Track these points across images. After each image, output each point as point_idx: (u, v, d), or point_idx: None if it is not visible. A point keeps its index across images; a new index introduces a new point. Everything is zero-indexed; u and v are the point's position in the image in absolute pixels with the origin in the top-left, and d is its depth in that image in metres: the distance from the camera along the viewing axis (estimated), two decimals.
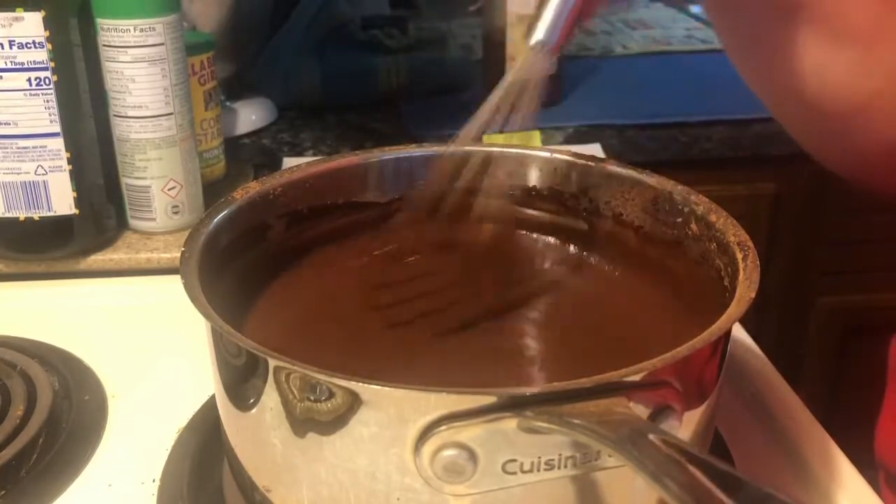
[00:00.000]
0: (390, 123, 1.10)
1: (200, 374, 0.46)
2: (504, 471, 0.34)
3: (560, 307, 0.51)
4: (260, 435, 0.39)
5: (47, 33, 0.64)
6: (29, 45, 0.64)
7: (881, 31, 0.49)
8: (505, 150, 0.53)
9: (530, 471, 0.34)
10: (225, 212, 0.47)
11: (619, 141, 1.05)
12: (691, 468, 0.29)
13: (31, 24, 0.63)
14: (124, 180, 0.72)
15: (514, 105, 0.45)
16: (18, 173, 0.67)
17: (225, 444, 0.44)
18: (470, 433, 0.33)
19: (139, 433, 0.53)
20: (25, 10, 0.63)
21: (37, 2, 0.63)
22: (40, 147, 0.66)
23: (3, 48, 0.63)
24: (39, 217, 0.68)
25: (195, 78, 0.79)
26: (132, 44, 0.67)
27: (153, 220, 0.73)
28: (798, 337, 1.28)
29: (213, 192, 0.76)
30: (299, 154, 1.02)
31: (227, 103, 1.05)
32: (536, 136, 0.93)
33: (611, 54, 1.33)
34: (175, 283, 0.40)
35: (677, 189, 0.49)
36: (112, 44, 0.68)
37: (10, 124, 0.65)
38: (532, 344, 0.48)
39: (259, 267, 0.50)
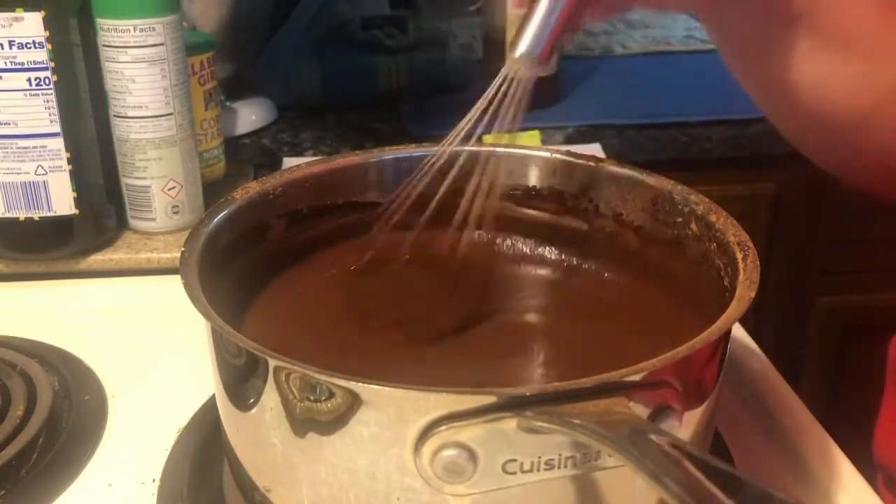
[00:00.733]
0: (390, 123, 1.10)
1: (200, 374, 0.46)
2: (504, 471, 0.34)
3: (560, 307, 0.51)
4: (260, 435, 0.39)
5: (47, 33, 0.64)
6: (29, 45, 0.64)
7: (881, 44, 0.49)
8: (505, 150, 0.53)
9: (530, 471, 0.34)
10: (225, 212, 0.47)
11: (619, 141, 1.05)
12: (691, 468, 0.29)
13: (31, 24, 0.63)
14: (124, 180, 0.72)
15: (497, 112, 0.45)
16: (18, 173, 0.67)
17: (225, 444, 0.44)
18: (470, 433, 0.33)
19: (139, 433, 0.53)
20: (25, 10, 0.63)
21: (37, 2, 0.63)
22: (40, 147, 0.66)
23: (3, 48, 0.63)
24: (39, 217, 0.68)
25: (195, 78, 0.79)
26: (132, 44, 0.67)
27: (153, 220, 0.73)
28: (798, 337, 1.28)
29: (213, 192, 0.76)
30: (299, 154, 1.02)
31: (227, 103, 1.05)
32: (536, 136, 0.93)
33: (611, 54, 1.33)
34: (175, 283, 0.40)
35: (677, 189, 0.49)
36: (112, 44, 0.68)
37: (10, 124, 0.65)
38: (532, 344, 0.48)
39: (259, 267, 0.50)
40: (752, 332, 0.61)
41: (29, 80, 0.64)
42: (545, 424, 0.33)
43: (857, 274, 1.24)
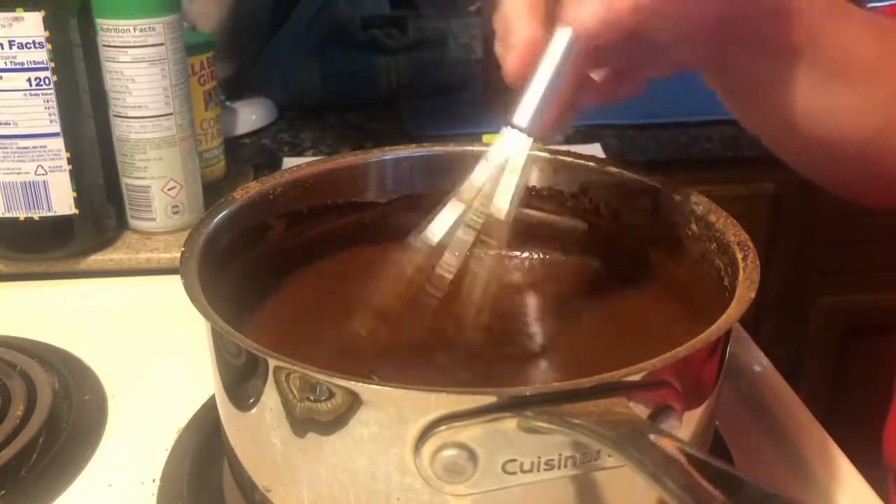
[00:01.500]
0: (390, 123, 1.10)
1: (200, 374, 0.46)
2: (504, 471, 0.34)
3: (560, 307, 0.51)
4: (260, 435, 0.39)
5: (47, 33, 0.64)
6: (29, 45, 0.64)
7: (879, 71, 0.49)
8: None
9: (530, 471, 0.34)
10: (225, 212, 0.47)
11: (619, 141, 1.05)
12: (691, 468, 0.29)
13: (31, 24, 0.63)
14: (124, 180, 0.72)
15: (493, 193, 0.42)
16: (18, 173, 0.67)
17: (225, 444, 0.44)
18: (470, 433, 0.33)
19: (139, 433, 0.53)
20: (25, 10, 0.63)
21: (37, 2, 0.63)
22: (40, 147, 0.66)
23: (3, 48, 0.63)
24: (39, 217, 0.68)
25: (195, 78, 0.79)
26: (132, 44, 0.67)
27: (153, 220, 0.73)
28: (798, 337, 1.28)
29: (213, 192, 0.76)
30: (299, 154, 1.02)
31: (227, 103, 1.05)
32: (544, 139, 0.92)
33: None
34: (175, 283, 0.40)
35: (677, 189, 0.49)
36: (112, 44, 0.68)
37: (10, 124, 0.65)
38: (532, 344, 0.48)
39: (259, 267, 0.50)
40: (752, 332, 0.61)
41: (29, 80, 0.64)
42: (545, 424, 0.33)
43: (857, 274, 1.24)
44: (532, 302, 0.52)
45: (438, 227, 0.42)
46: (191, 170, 0.73)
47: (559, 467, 0.34)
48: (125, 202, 0.73)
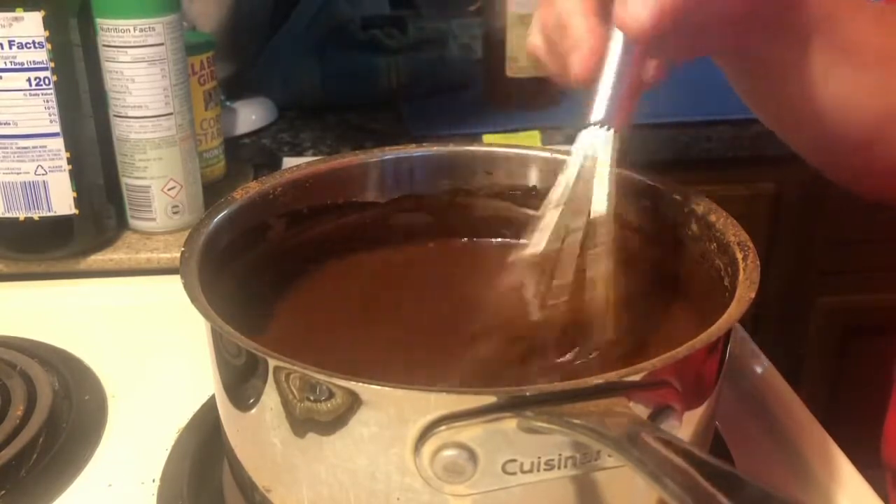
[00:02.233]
0: (390, 123, 1.10)
1: (200, 374, 0.46)
2: (504, 471, 0.34)
3: (560, 307, 0.51)
4: (260, 435, 0.39)
5: (47, 33, 0.64)
6: (29, 45, 0.64)
7: (887, 52, 0.49)
8: (505, 150, 0.53)
9: (530, 471, 0.34)
10: (225, 212, 0.47)
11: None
12: (691, 468, 0.29)
13: (31, 24, 0.63)
14: (124, 180, 0.72)
15: (584, 191, 0.42)
16: (18, 173, 0.67)
17: (225, 444, 0.44)
18: (470, 433, 0.33)
19: (139, 433, 0.53)
20: (25, 10, 0.63)
21: (37, 2, 0.63)
22: (40, 147, 0.66)
23: (3, 48, 0.63)
24: (39, 217, 0.68)
25: (195, 78, 0.79)
26: (132, 44, 0.67)
27: (153, 220, 0.73)
28: (798, 337, 1.28)
29: (213, 192, 0.76)
30: (299, 154, 1.02)
31: (227, 103, 1.05)
32: (536, 136, 0.93)
33: None
34: (175, 283, 0.40)
35: (677, 189, 0.49)
36: (112, 44, 0.68)
37: (10, 124, 0.65)
38: (532, 344, 0.48)
39: (259, 267, 0.50)
40: (752, 332, 0.61)
41: (29, 80, 0.64)
42: (545, 424, 0.33)
43: (857, 274, 1.24)
44: (533, 303, 0.52)
45: (541, 235, 0.43)
46: (191, 170, 0.73)
47: (559, 467, 0.34)
48: (125, 202, 0.73)
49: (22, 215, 0.68)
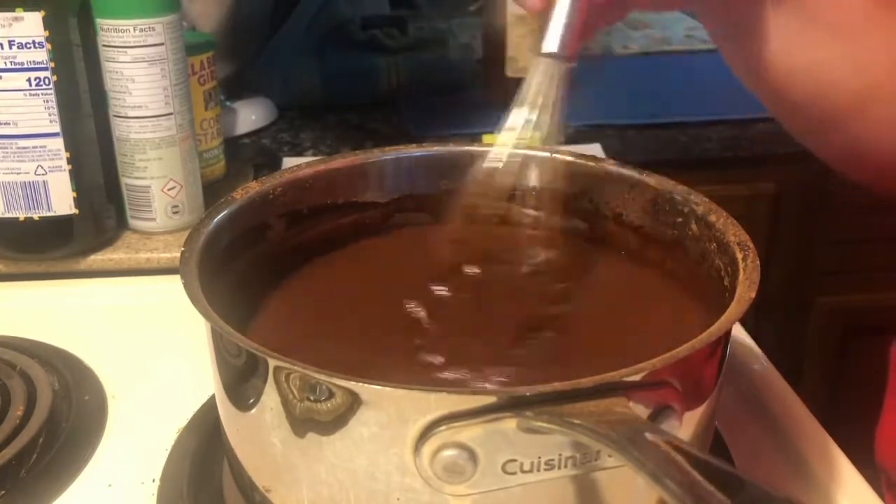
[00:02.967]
0: (390, 123, 1.10)
1: (200, 374, 0.46)
2: (504, 471, 0.34)
3: (560, 307, 0.51)
4: (260, 435, 0.39)
5: (47, 33, 0.64)
6: (29, 45, 0.64)
7: (871, 24, 0.49)
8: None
9: (530, 471, 0.34)
10: (225, 212, 0.47)
11: (619, 141, 1.05)
12: (691, 468, 0.29)
13: (31, 24, 0.63)
14: (124, 180, 0.72)
15: (535, 121, 0.46)
16: (18, 173, 0.67)
17: (225, 444, 0.44)
18: (470, 433, 0.33)
19: (139, 433, 0.53)
20: (25, 10, 0.63)
21: (37, 2, 0.63)
22: (40, 147, 0.66)
23: (3, 48, 0.63)
24: (39, 217, 0.68)
25: (195, 78, 0.79)
26: (132, 44, 0.67)
27: (153, 220, 0.73)
28: (798, 337, 1.28)
29: (213, 192, 0.76)
30: (299, 154, 1.02)
31: (227, 103, 1.05)
32: (536, 137, 0.92)
33: (611, 54, 1.33)
34: (175, 283, 0.40)
35: (677, 189, 0.49)
36: (112, 44, 0.68)
37: (10, 124, 0.65)
38: (532, 344, 0.48)
39: (259, 267, 0.50)
40: (752, 332, 0.61)
41: (29, 80, 0.64)
42: (545, 424, 0.33)
43: (857, 274, 1.24)
44: (532, 303, 0.52)
45: (507, 136, 0.46)
46: (191, 170, 0.73)
47: (559, 467, 0.34)
48: (125, 202, 0.73)
49: (22, 215, 0.68)
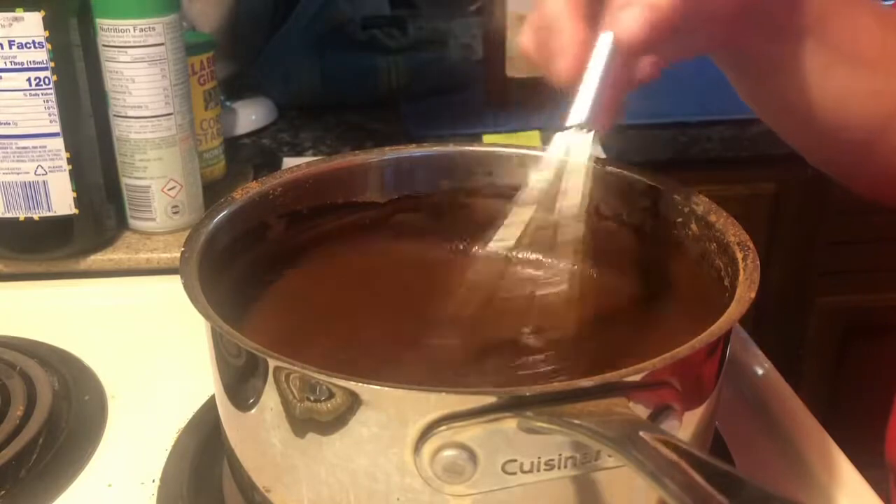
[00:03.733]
0: (390, 123, 1.10)
1: (200, 374, 0.46)
2: (504, 471, 0.34)
3: (559, 307, 0.51)
4: (260, 435, 0.39)
5: (47, 33, 0.64)
6: (29, 45, 0.64)
7: (886, 56, 0.49)
8: (505, 150, 0.53)
9: (530, 471, 0.34)
10: (225, 212, 0.47)
11: (619, 141, 1.05)
12: (691, 469, 0.29)
13: (31, 24, 0.63)
14: (124, 180, 0.72)
15: (561, 193, 0.42)
16: (18, 173, 0.67)
17: (225, 444, 0.44)
18: (470, 433, 0.33)
19: (139, 433, 0.53)
20: (25, 10, 0.63)
21: (37, 2, 0.63)
22: (40, 147, 0.66)
23: (3, 48, 0.63)
24: (39, 217, 0.68)
25: (195, 78, 0.79)
26: (132, 44, 0.67)
27: (153, 220, 0.73)
28: (798, 337, 1.28)
29: (213, 192, 0.76)
30: (299, 154, 1.02)
31: (227, 103, 1.05)
32: (536, 136, 0.93)
33: None
34: (175, 283, 0.40)
35: (677, 189, 0.49)
36: (112, 44, 0.68)
37: (10, 124, 0.65)
38: (532, 344, 0.48)
39: (259, 267, 0.50)
40: (752, 332, 0.61)
41: (29, 80, 0.64)
42: (545, 425, 0.33)
43: (857, 274, 1.24)
44: (531, 302, 0.52)
45: (510, 232, 0.43)
46: (191, 170, 0.73)
47: (559, 467, 0.34)
48: (125, 202, 0.73)
49: (22, 215, 0.68)
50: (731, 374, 0.55)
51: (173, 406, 0.54)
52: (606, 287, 0.51)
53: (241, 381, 0.39)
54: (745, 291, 0.40)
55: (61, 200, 0.68)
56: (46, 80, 0.65)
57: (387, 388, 0.34)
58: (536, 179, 0.43)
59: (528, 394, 0.34)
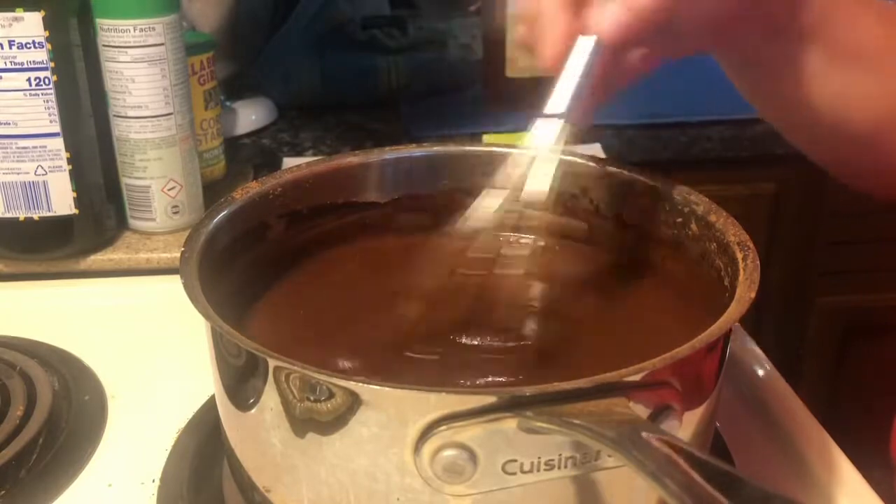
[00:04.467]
0: (390, 123, 1.10)
1: (200, 374, 0.46)
2: (504, 471, 0.34)
3: (560, 307, 0.51)
4: (260, 435, 0.39)
5: (47, 33, 0.64)
6: (29, 45, 0.64)
7: (887, 55, 0.49)
8: (505, 150, 0.53)
9: (530, 471, 0.34)
10: (225, 212, 0.47)
11: (619, 141, 1.05)
12: (691, 469, 0.29)
13: (31, 24, 0.63)
14: (124, 180, 0.72)
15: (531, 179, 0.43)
16: (18, 173, 0.67)
17: (225, 444, 0.44)
18: (470, 433, 0.33)
19: (139, 433, 0.53)
20: (25, 10, 0.63)
21: (37, 2, 0.63)
22: (40, 147, 0.66)
23: (3, 48, 0.63)
24: (39, 217, 0.68)
25: (195, 78, 0.79)
26: (132, 44, 0.67)
27: (153, 220, 0.73)
28: (798, 337, 1.27)
29: (213, 192, 0.76)
30: (299, 154, 1.02)
31: (227, 103, 1.05)
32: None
33: None
34: (175, 283, 0.40)
35: (677, 189, 0.49)
36: (112, 44, 0.68)
37: (10, 124, 0.65)
38: (532, 344, 0.48)
39: (259, 267, 0.50)
40: (752, 332, 0.61)
41: (29, 80, 0.64)
42: (545, 425, 0.33)
43: (857, 274, 1.24)
44: (532, 303, 0.52)
45: (480, 213, 0.43)
46: (191, 170, 0.73)
47: (559, 467, 0.34)
48: (125, 202, 0.73)
49: (22, 215, 0.68)
50: (731, 374, 0.55)
51: (173, 406, 0.54)
52: (606, 287, 0.51)
53: (241, 381, 0.39)
54: (745, 291, 0.40)
55: (61, 200, 0.68)
56: (46, 80, 0.65)
57: (387, 388, 0.34)
58: (511, 165, 0.44)
59: (528, 393, 0.34)
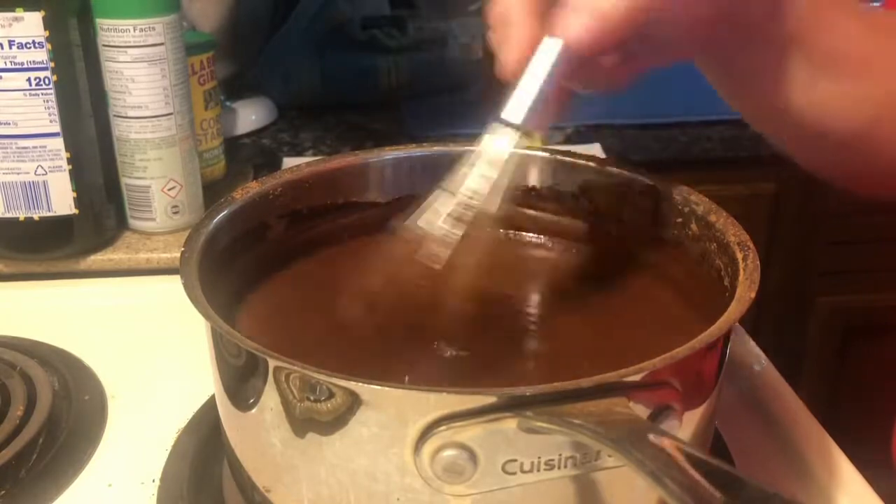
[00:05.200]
0: (390, 123, 1.10)
1: (200, 374, 0.46)
2: (504, 471, 0.34)
3: (560, 308, 0.51)
4: (260, 435, 0.39)
5: (47, 33, 0.64)
6: (29, 45, 0.64)
7: (873, 63, 0.49)
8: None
9: (530, 471, 0.34)
10: (225, 212, 0.47)
11: (619, 141, 1.05)
12: (691, 468, 0.29)
13: (31, 24, 0.63)
14: (124, 180, 0.72)
15: (480, 185, 0.42)
16: (18, 173, 0.67)
17: (225, 444, 0.44)
18: (470, 433, 0.33)
19: (139, 433, 0.53)
20: (25, 10, 0.63)
21: (37, 2, 0.63)
22: (40, 147, 0.66)
23: (3, 48, 0.63)
24: (39, 217, 0.68)
25: (195, 78, 0.79)
26: (132, 44, 0.67)
27: (153, 220, 0.73)
28: (798, 337, 1.28)
29: (213, 192, 0.76)
30: (299, 154, 1.02)
31: (227, 103, 1.05)
32: (536, 136, 0.92)
33: None
34: (175, 283, 0.40)
35: (677, 189, 0.49)
36: (112, 44, 0.68)
37: (10, 124, 0.65)
38: (532, 344, 0.48)
39: (259, 267, 0.50)
40: (752, 332, 0.61)
41: (29, 80, 0.64)
42: (545, 424, 0.33)
43: (857, 274, 1.24)
44: (532, 303, 0.52)
45: (430, 216, 0.42)
46: (191, 170, 0.73)
47: (559, 467, 0.34)
48: (125, 202, 0.73)
49: (22, 215, 0.68)
50: (731, 374, 0.55)
51: (173, 406, 0.54)
52: (606, 286, 0.51)
53: (241, 381, 0.39)
54: (745, 291, 0.40)
55: (61, 200, 0.68)
56: (46, 80, 0.65)
57: (387, 388, 0.34)
58: (461, 168, 0.43)
59: (528, 393, 0.34)
